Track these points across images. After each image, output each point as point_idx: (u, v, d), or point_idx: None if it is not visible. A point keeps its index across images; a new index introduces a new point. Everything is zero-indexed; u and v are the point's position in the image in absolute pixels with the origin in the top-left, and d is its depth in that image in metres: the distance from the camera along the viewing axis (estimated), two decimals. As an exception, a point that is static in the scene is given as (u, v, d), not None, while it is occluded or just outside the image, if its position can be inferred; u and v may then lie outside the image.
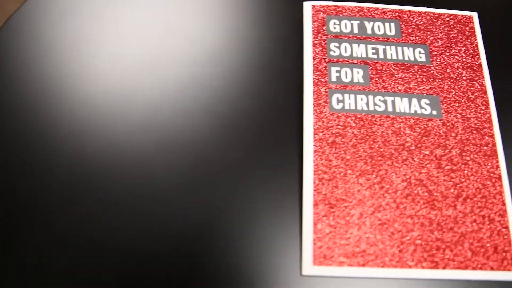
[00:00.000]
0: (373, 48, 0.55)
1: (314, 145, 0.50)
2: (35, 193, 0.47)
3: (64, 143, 0.49)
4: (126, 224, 0.45)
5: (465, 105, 0.53)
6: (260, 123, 0.51)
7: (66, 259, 0.44)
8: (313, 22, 0.57)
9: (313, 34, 0.56)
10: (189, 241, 0.45)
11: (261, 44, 0.56)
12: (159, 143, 0.49)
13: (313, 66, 0.54)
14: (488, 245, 0.46)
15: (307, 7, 0.58)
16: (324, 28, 0.57)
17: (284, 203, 0.47)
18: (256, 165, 0.49)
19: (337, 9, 0.58)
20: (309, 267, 0.44)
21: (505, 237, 0.46)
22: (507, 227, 0.47)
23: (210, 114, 0.51)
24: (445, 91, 0.54)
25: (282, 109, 0.52)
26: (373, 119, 0.51)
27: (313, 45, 0.55)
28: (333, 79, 0.53)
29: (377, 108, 0.52)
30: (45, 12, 0.57)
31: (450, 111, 0.52)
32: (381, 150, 0.50)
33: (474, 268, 0.45)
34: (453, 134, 0.51)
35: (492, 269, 0.45)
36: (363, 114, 0.52)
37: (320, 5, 0.58)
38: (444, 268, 0.44)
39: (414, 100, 0.53)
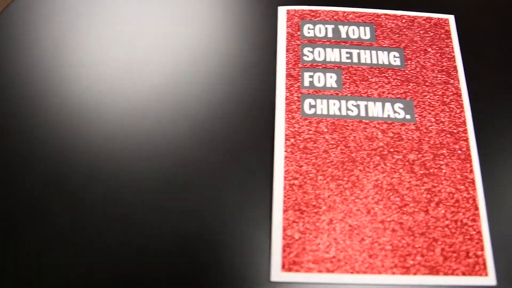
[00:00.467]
0: (347, 53, 0.55)
1: (285, 151, 0.50)
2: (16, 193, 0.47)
3: (44, 146, 0.49)
4: (101, 228, 0.45)
5: (439, 109, 0.52)
6: (233, 129, 0.51)
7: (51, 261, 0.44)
8: (287, 27, 0.57)
9: (287, 39, 0.56)
10: (159, 245, 0.45)
11: (236, 49, 0.56)
12: (139, 146, 0.49)
13: (286, 71, 0.54)
14: (460, 250, 0.45)
15: (282, 12, 0.58)
16: (298, 33, 0.57)
17: (256, 209, 0.47)
18: (228, 171, 0.49)
19: (312, 14, 0.58)
20: (277, 274, 0.44)
21: (478, 242, 0.46)
22: (479, 232, 0.46)
23: (185, 118, 0.51)
24: (419, 95, 0.53)
25: (255, 115, 0.52)
26: (346, 124, 0.51)
27: (287, 50, 0.55)
28: (306, 84, 0.53)
29: (349, 113, 0.52)
30: (27, 16, 0.58)
31: (424, 115, 0.52)
32: (353, 155, 0.50)
33: (446, 274, 0.44)
34: (427, 138, 0.51)
35: (464, 274, 0.44)
36: (335, 119, 0.52)
37: (295, 10, 0.58)
38: (415, 273, 0.44)
39: (388, 105, 0.52)
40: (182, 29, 0.57)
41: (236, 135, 0.51)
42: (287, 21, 0.57)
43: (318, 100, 0.52)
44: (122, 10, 0.58)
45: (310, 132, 0.51)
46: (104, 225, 0.46)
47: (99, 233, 0.45)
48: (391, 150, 0.50)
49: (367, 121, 0.52)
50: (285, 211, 0.47)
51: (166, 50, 0.55)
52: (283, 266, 0.44)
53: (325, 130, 0.51)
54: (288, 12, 0.58)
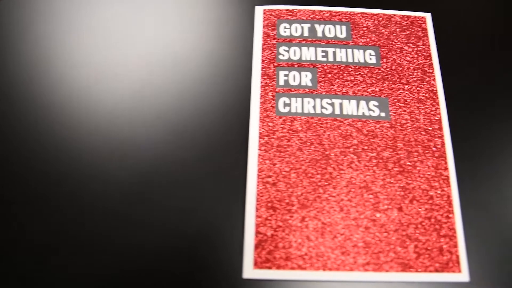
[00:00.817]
0: (322, 51, 0.55)
1: (259, 149, 0.50)
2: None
3: (20, 146, 0.50)
4: (74, 230, 0.45)
5: (414, 106, 0.53)
6: (208, 128, 0.51)
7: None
8: (263, 26, 0.57)
9: (263, 38, 0.56)
10: (136, 242, 0.45)
11: (213, 48, 0.56)
12: (111, 148, 0.50)
13: (262, 70, 0.54)
14: (434, 247, 0.45)
15: (259, 12, 0.58)
16: (275, 32, 0.57)
17: (230, 207, 0.47)
18: (203, 169, 0.49)
19: (289, 13, 0.58)
20: (249, 271, 0.44)
21: (451, 238, 0.46)
22: (453, 229, 0.46)
23: (160, 117, 0.51)
24: (394, 93, 0.53)
25: (231, 114, 0.52)
26: (320, 122, 0.51)
27: (263, 50, 0.55)
28: (281, 83, 0.53)
29: (324, 111, 0.52)
30: (14, 15, 0.58)
31: (399, 113, 0.52)
32: (327, 153, 0.50)
33: (419, 270, 0.44)
34: (401, 136, 0.51)
35: (437, 271, 0.44)
36: (310, 117, 0.52)
37: (272, 10, 0.58)
38: (388, 270, 0.44)
39: (363, 103, 0.52)
40: (159, 28, 0.57)
41: (211, 133, 0.51)
42: (263, 21, 0.58)
43: (293, 99, 0.53)
44: (97, 9, 0.58)
45: (284, 130, 0.51)
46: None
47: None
48: (365, 147, 0.50)
49: (341, 119, 0.52)
50: (258, 208, 0.47)
51: (142, 50, 0.56)
52: (255, 263, 0.45)
53: (299, 128, 0.51)
54: (265, 11, 0.58)
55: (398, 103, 0.53)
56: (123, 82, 0.54)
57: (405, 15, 0.59)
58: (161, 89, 0.53)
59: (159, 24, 0.57)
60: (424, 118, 0.52)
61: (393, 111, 0.52)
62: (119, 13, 0.58)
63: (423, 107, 0.52)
